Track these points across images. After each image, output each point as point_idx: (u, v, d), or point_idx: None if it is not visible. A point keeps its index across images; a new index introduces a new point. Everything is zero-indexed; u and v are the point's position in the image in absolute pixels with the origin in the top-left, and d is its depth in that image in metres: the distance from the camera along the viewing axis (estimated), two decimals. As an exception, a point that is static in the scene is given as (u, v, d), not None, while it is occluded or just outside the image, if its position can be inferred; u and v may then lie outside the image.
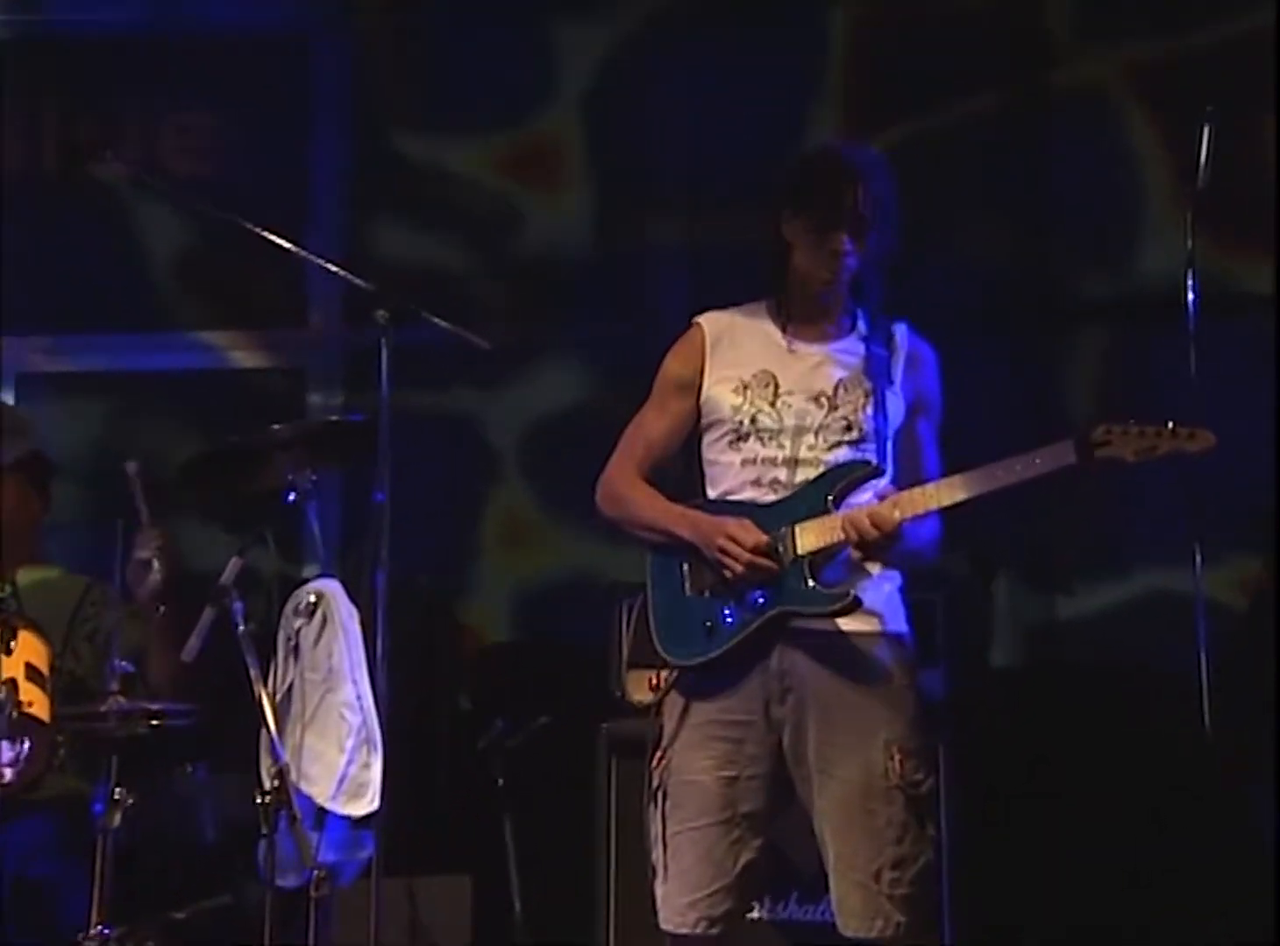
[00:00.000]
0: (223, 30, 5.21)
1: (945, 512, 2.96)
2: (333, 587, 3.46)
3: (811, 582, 2.97)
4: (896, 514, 2.93)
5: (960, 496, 2.92)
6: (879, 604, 3.05)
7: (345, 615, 3.40)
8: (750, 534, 2.99)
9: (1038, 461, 2.86)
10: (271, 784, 3.18)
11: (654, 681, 3.71)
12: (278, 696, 3.33)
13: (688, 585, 3.07)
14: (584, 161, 5.17)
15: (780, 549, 3.00)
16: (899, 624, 3.08)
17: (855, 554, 2.99)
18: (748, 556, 2.98)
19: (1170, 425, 2.80)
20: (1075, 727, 4.49)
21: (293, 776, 3.24)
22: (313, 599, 3.42)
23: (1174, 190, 4.79)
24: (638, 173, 5.13)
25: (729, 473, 3.12)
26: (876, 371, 3.08)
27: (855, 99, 5.07)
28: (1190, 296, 3.51)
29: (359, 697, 3.30)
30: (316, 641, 3.37)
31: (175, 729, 3.41)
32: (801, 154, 3.22)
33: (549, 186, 5.17)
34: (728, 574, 3.00)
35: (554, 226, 5.14)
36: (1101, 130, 4.94)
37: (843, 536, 2.96)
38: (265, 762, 3.26)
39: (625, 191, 5.13)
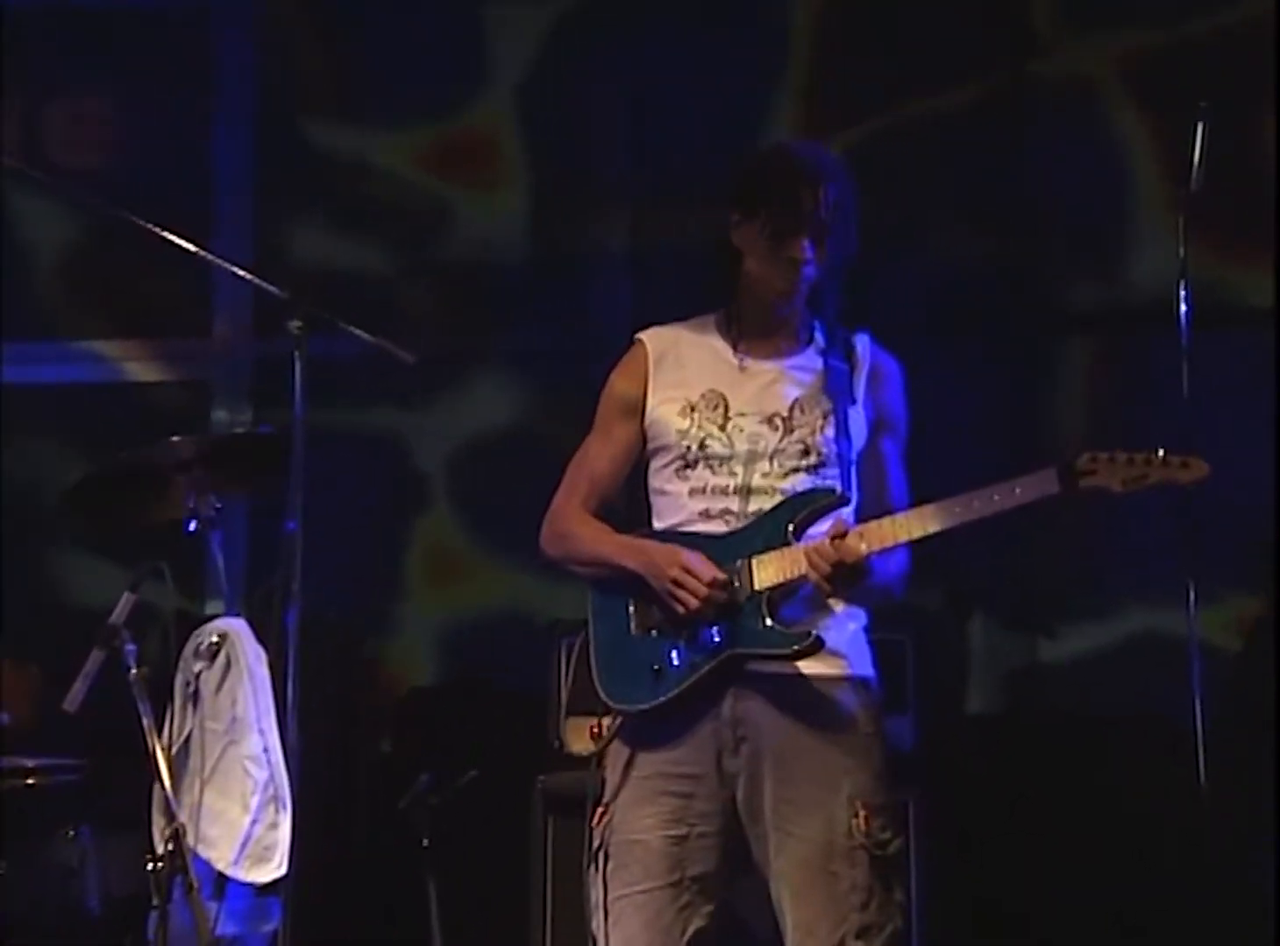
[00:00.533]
0: (114, 2, 5.18)
1: (916, 544, 2.97)
2: (238, 627, 3.44)
3: (769, 621, 2.97)
4: (863, 546, 2.93)
5: (932, 528, 2.92)
6: (843, 644, 3.05)
7: (252, 658, 3.38)
8: (706, 566, 3.00)
9: (1017, 491, 2.87)
10: (165, 847, 3.15)
11: (596, 730, 3.65)
12: (174, 749, 3.30)
13: (633, 623, 3.07)
14: (519, 156, 5.18)
15: (735, 584, 3.00)
16: (864, 666, 3.09)
17: (818, 590, 3.00)
18: (704, 590, 2.98)
19: (1160, 453, 2.82)
20: (1058, 781, 4.50)
21: (190, 839, 3.21)
22: (215, 640, 3.40)
23: (1166, 192, 4.81)
24: (578, 169, 5.14)
25: (677, 503, 3.11)
26: (836, 389, 3.09)
27: (818, 91, 5.09)
28: (1183, 308, 3.54)
29: (266, 750, 3.28)
30: (219, 687, 3.35)
31: (56, 786, 3.37)
32: (753, 153, 3.23)
33: (481, 183, 5.18)
34: (679, 610, 3.00)
35: (486, 227, 5.15)
36: (1088, 126, 4.99)
37: (805, 571, 2.97)
38: (158, 823, 3.23)
39: (564, 190, 5.15)
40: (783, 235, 3.05)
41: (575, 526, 3.15)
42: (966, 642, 4.87)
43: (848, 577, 2.94)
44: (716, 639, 3.00)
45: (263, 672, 3.36)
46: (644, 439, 3.16)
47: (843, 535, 2.95)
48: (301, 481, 3.30)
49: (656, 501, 3.16)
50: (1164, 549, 3.48)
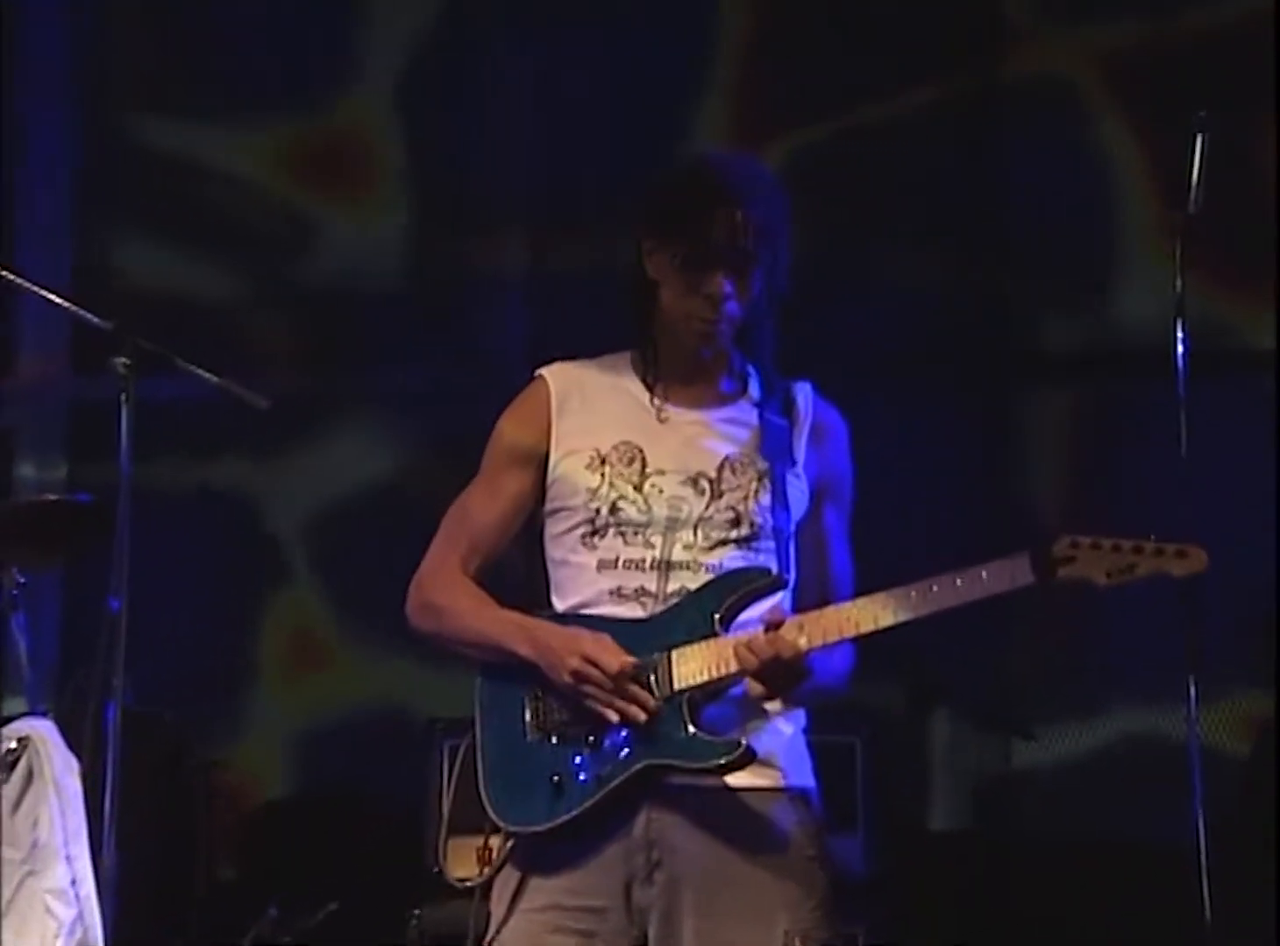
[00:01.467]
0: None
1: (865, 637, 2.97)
2: (43, 730, 3.37)
3: (691, 727, 2.95)
4: (803, 641, 2.92)
5: (885, 621, 2.92)
6: (777, 752, 3.03)
7: (59, 768, 3.31)
8: (614, 655, 2.97)
9: (985, 577, 2.87)
10: (-50, 1001, 3.08)
11: (483, 852, 3.66)
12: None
13: (529, 724, 3.05)
14: (397, 163, 5.22)
15: (652, 682, 2.98)
16: (803, 776, 3.07)
17: (749, 691, 2.98)
18: (611, 685, 2.97)
19: (1152, 540, 2.82)
20: (1036, 913, 4.53)
21: (-20, 989, 3.14)
22: (14, 746, 3.33)
23: (1158, 214, 4.90)
24: (468, 180, 5.17)
25: (581, 578, 3.09)
26: (773, 447, 3.08)
27: (753, 92, 5.15)
28: (1179, 349, 3.58)
29: (74, 882, 3.22)
30: (17, 805, 3.28)
31: None
32: (667, 168, 3.21)
33: (350, 194, 5.22)
34: (585, 705, 2.98)
35: (356, 246, 5.18)
36: (1067, 137, 5.07)
37: (735, 668, 2.95)
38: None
39: (451, 204, 5.18)
40: (697, 267, 3.05)
41: (452, 596, 3.12)
42: (928, 745, 4.89)
43: (784, 677, 2.93)
44: (628, 747, 2.98)
45: (73, 786, 3.30)
46: (539, 496, 3.15)
47: (778, 626, 2.94)
48: (127, 550, 3.26)
49: (557, 574, 3.14)
50: (1159, 635, 3.49)
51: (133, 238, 5.13)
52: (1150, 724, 4.68)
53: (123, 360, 3.35)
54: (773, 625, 2.94)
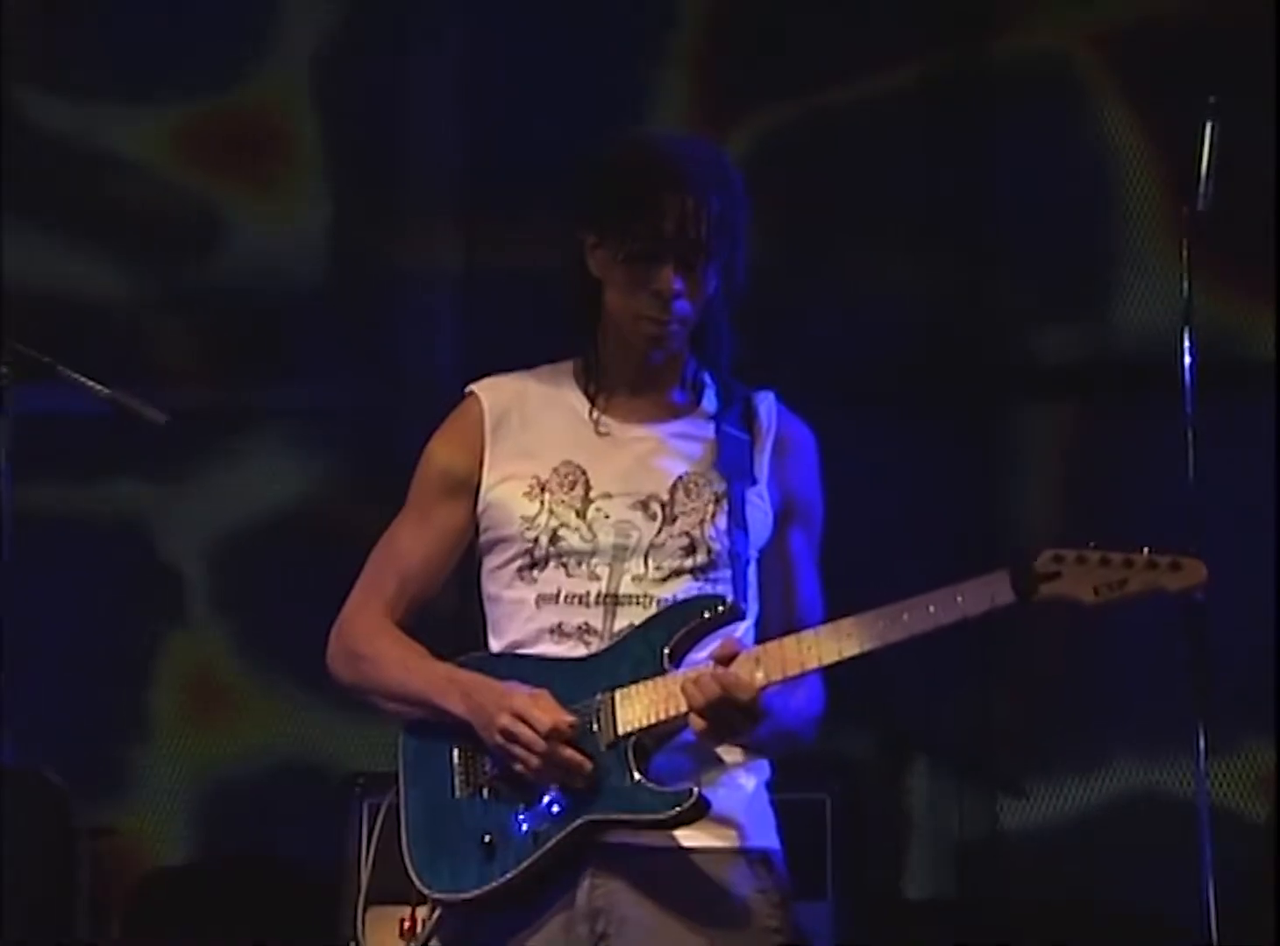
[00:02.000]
0: None
1: (832, 671, 2.94)
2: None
3: (637, 776, 2.94)
4: (760, 676, 2.93)
5: (851, 650, 2.91)
6: (737, 808, 3.03)
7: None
8: (548, 711, 2.96)
9: (960, 599, 2.85)
10: None
11: (407, 924, 3.67)
12: None
13: (458, 781, 3.05)
14: (314, 149, 5.19)
15: (594, 727, 2.97)
16: (765, 836, 3.07)
17: (699, 736, 2.96)
18: (543, 745, 2.95)
19: (1145, 551, 2.82)
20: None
21: None
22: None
23: (1164, 210, 4.91)
24: (393, 169, 5.16)
25: (519, 615, 3.09)
26: (732, 465, 3.08)
27: (712, 69, 5.13)
28: (1186, 360, 3.58)
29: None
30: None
31: None
32: (609, 150, 3.18)
33: (261, 183, 5.19)
34: (517, 767, 2.97)
35: (267, 242, 5.15)
36: (1062, 124, 5.07)
37: (683, 709, 2.94)
38: None
39: (374, 194, 5.16)
40: (644, 261, 3.04)
41: (376, 644, 3.12)
42: (905, 802, 4.88)
43: (737, 719, 2.91)
44: (567, 801, 2.97)
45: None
46: (476, 526, 3.14)
47: (729, 659, 2.93)
48: (4, 584, 3.25)
49: (493, 611, 3.14)
50: (1164, 675, 3.49)
51: (13, 229, 5.07)
52: (1154, 778, 4.68)
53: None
54: (723, 659, 2.93)
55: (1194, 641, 3.40)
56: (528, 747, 2.95)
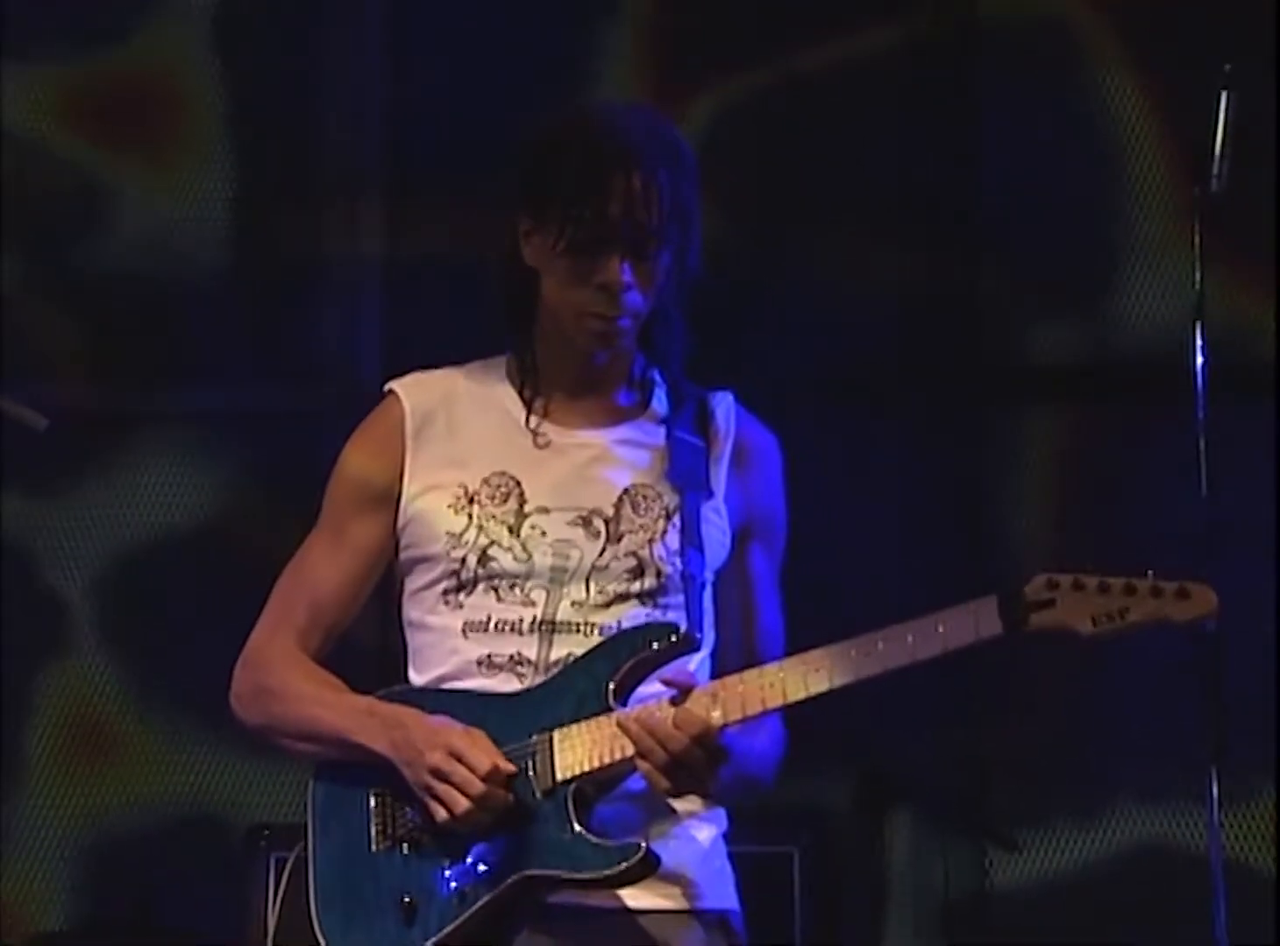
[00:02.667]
0: None
1: (796, 706, 2.94)
2: None
3: (577, 828, 2.95)
4: (716, 715, 2.93)
5: (820, 686, 2.91)
6: (689, 864, 3.04)
7: None
8: (484, 751, 2.97)
9: (940, 629, 2.87)
10: None
11: None
12: None
13: (375, 833, 3.05)
14: (216, 119, 5.18)
15: (529, 772, 2.98)
16: (722, 896, 3.09)
17: (649, 782, 2.95)
18: (478, 787, 2.95)
19: (1149, 576, 2.84)
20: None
21: None
22: None
23: (1173, 192, 4.93)
24: (307, 138, 5.15)
25: (443, 644, 3.10)
26: (685, 475, 3.09)
27: (668, 34, 5.14)
28: (1198, 359, 3.60)
29: None
30: None
31: None
32: (546, 124, 3.19)
33: (154, 156, 5.17)
34: (441, 815, 2.97)
35: (162, 223, 5.13)
36: (1059, 94, 5.09)
37: (630, 752, 2.94)
38: None
39: (285, 173, 5.16)
40: (587, 250, 3.05)
41: (287, 678, 3.13)
42: (884, 857, 4.89)
43: (693, 765, 2.91)
44: (498, 856, 2.97)
45: None
46: (396, 544, 3.15)
47: (684, 694, 2.93)
48: None
49: (414, 639, 3.15)
50: (1174, 717, 3.50)
51: None
52: (1161, 828, 4.69)
53: None
54: (678, 694, 2.94)
55: (1206, 676, 3.41)
56: (462, 789, 2.95)
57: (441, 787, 2.96)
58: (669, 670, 3.00)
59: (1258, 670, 3.62)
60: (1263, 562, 4.27)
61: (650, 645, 3.01)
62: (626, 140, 3.05)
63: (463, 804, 2.94)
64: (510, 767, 2.97)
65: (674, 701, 2.94)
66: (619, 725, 2.95)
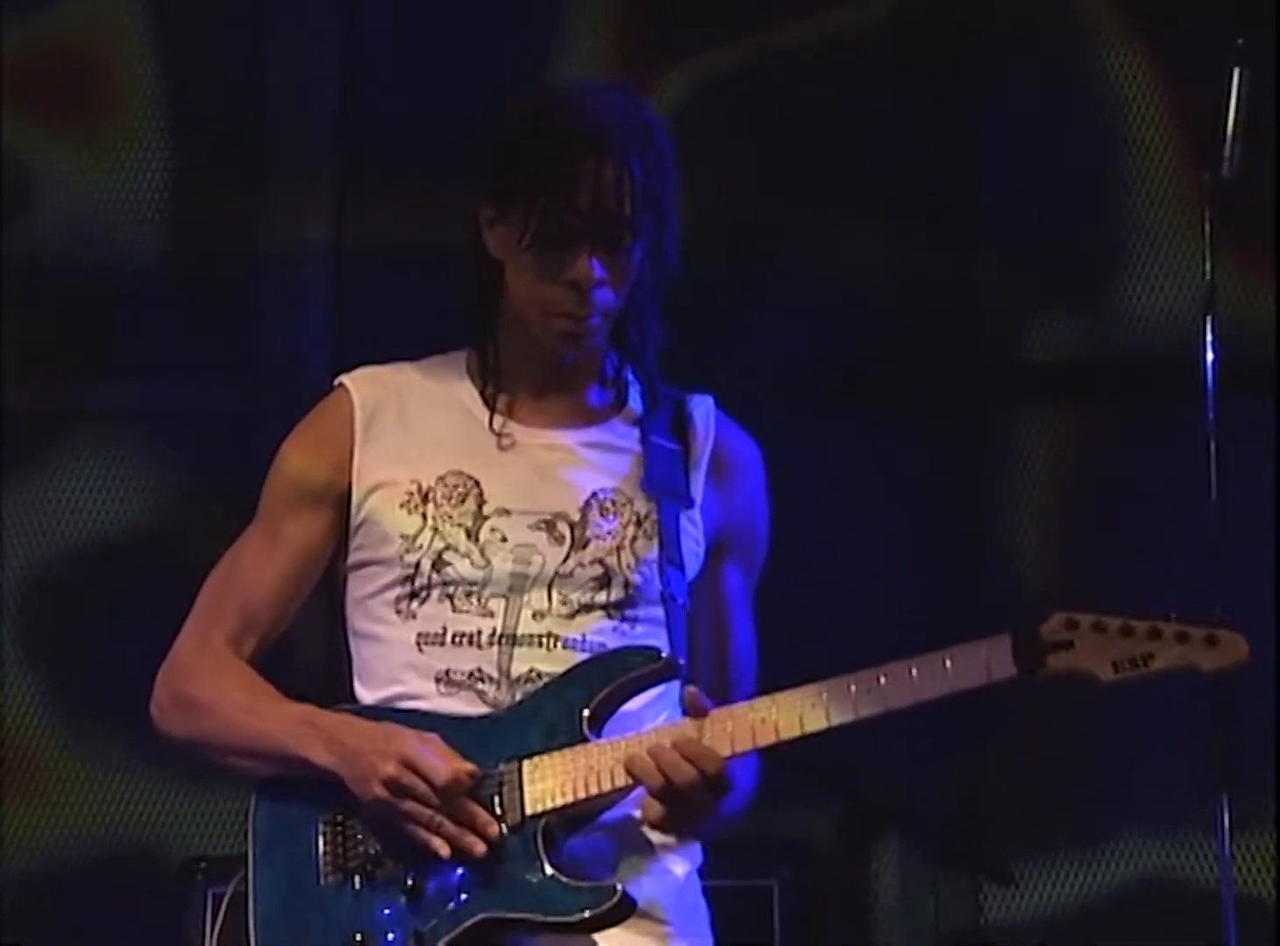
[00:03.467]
0: None
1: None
2: None
3: (547, 868, 2.95)
4: (726, 749, 2.92)
5: (816, 725, 2.91)
6: (663, 900, 3.05)
7: None
8: (444, 760, 2.96)
9: (950, 666, 2.88)
10: None
11: None
12: None
13: (324, 863, 3.04)
14: (152, 92, 5.17)
15: (496, 805, 2.97)
16: (696, 933, 3.10)
17: (647, 817, 2.96)
18: (439, 803, 2.95)
19: (1173, 620, 2.83)
20: None
21: None
22: None
23: (1181, 177, 4.95)
24: (251, 116, 5.14)
25: (394, 658, 3.10)
26: (659, 480, 3.10)
27: (639, 7, 5.16)
28: (1209, 357, 3.60)
29: None
30: None
31: None
32: (510, 105, 3.19)
33: (84, 135, 5.16)
34: (401, 837, 2.97)
35: (93, 206, 5.13)
36: (1060, 73, 5.11)
37: (605, 787, 2.95)
38: None
39: (226, 149, 5.14)
40: (556, 243, 3.05)
41: (216, 687, 3.12)
42: (870, 891, 4.90)
43: (699, 800, 2.92)
44: (461, 893, 2.97)
45: None
46: (339, 548, 3.15)
47: (700, 718, 2.93)
48: None
49: (363, 652, 3.15)
50: (1180, 742, 3.51)
51: None
52: (1167, 860, 4.71)
53: None
54: (695, 717, 2.93)
55: (1217, 701, 3.41)
56: (420, 803, 2.94)
57: (398, 800, 2.94)
58: (658, 696, 3.03)
59: (1261, 687, 3.61)
60: (1269, 573, 4.28)
61: (628, 671, 3.01)
62: (597, 124, 3.05)
63: (421, 818, 2.94)
64: (472, 768, 2.96)
65: (677, 730, 2.94)
66: (596, 757, 2.95)
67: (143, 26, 5.18)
